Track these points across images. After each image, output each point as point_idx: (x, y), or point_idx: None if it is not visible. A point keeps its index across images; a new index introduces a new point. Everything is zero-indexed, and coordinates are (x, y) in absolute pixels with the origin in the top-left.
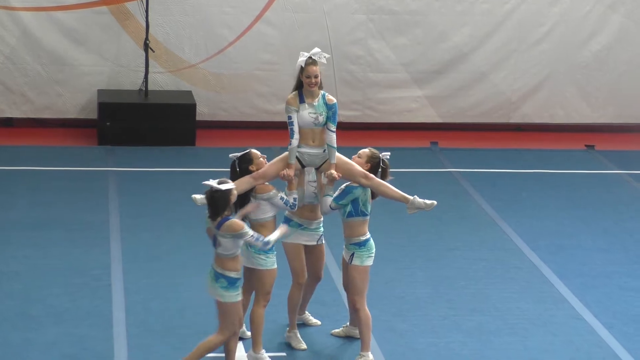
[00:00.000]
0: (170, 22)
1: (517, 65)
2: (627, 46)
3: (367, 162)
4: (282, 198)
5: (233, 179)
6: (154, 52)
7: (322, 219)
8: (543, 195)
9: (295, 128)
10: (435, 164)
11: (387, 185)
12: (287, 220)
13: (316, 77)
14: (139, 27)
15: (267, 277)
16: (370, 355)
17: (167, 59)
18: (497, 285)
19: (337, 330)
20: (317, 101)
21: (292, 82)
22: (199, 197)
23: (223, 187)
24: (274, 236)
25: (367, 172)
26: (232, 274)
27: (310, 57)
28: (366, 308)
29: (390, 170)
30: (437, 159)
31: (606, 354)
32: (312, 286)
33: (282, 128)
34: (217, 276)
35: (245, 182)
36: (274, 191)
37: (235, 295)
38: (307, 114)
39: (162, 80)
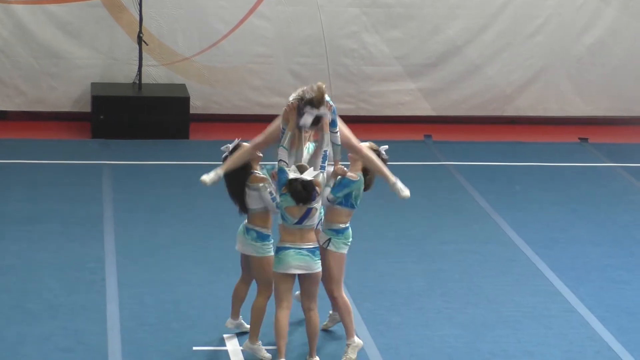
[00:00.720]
0: (164, 15)
1: (511, 58)
2: (620, 40)
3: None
4: (271, 193)
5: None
6: (147, 45)
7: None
8: (537, 189)
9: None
10: (429, 157)
11: (375, 160)
12: None
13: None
14: (133, 20)
15: (266, 265)
16: (357, 340)
17: (160, 52)
18: (490, 278)
19: (325, 322)
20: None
21: (286, 75)
22: (208, 178)
23: (313, 176)
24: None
25: (361, 146)
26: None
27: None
28: (344, 295)
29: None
30: (431, 152)
31: (600, 347)
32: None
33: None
34: (314, 251)
35: (246, 153)
36: (264, 184)
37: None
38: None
39: (156, 74)
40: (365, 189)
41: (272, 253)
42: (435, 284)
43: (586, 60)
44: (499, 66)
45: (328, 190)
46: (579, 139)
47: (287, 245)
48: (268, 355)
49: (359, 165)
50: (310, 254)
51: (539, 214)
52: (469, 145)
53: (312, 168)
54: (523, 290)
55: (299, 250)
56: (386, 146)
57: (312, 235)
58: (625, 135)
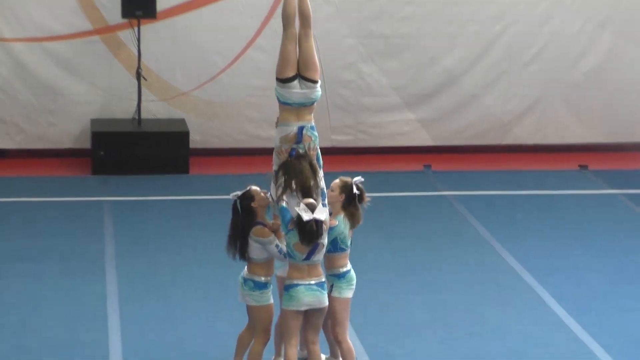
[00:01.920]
0: (162, 49)
1: (508, 86)
2: (617, 65)
3: (340, 192)
4: (277, 246)
5: (235, 218)
6: (146, 80)
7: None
8: (538, 217)
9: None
10: (429, 187)
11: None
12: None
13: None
14: (131, 55)
15: (264, 312)
16: None
17: (159, 87)
18: (493, 308)
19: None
20: None
21: None
22: None
23: (323, 214)
24: None
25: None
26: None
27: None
28: (348, 340)
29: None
30: (430, 182)
31: None
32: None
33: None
34: (322, 285)
35: None
36: (270, 238)
37: None
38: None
39: (155, 109)
40: (354, 225)
41: (271, 301)
42: (437, 314)
43: (584, 86)
44: (496, 95)
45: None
46: (579, 166)
47: (296, 282)
48: None
49: (338, 207)
50: (319, 289)
51: (540, 242)
52: (469, 174)
53: (320, 205)
54: (526, 320)
55: (309, 286)
56: (360, 177)
57: (319, 269)
58: (626, 161)
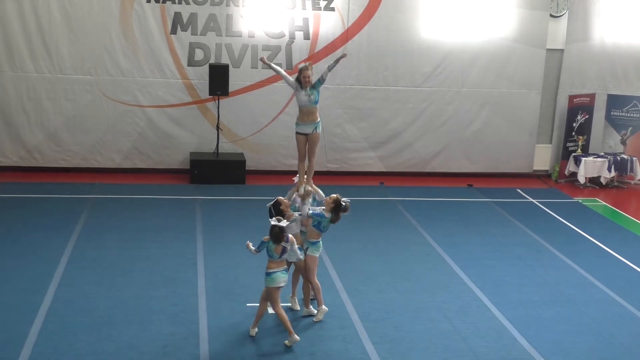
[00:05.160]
0: (231, 113)
1: (429, 138)
2: (490, 129)
3: (332, 202)
4: (299, 215)
5: (270, 217)
6: (222, 130)
7: (317, 120)
8: (443, 212)
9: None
10: (383, 195)
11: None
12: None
13: (309, 77)
14: (214, 116)
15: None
16: (324, 307)
17: (229, 134)
18: (412, 259)
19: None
20: (309, 88)
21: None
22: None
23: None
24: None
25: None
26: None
27: (305, 66)
28: (316, 280)
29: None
30: (383, 192)
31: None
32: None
33: (295, 174)
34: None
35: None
36: (295, 216)
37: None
38: (303, 94)
39: (227, 146)
40: (333, 222)
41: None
42: (385, 266)
43: (471, 140)
44: (422, 143)
45: (307, 208)
46: (468, 184)
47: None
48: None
49: (330, 207)
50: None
51: (446, 227)
52: (406, 188)
53: (284, 220)
54: (421, 264)
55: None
56: (348, 200)
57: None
58: (495, 182)
